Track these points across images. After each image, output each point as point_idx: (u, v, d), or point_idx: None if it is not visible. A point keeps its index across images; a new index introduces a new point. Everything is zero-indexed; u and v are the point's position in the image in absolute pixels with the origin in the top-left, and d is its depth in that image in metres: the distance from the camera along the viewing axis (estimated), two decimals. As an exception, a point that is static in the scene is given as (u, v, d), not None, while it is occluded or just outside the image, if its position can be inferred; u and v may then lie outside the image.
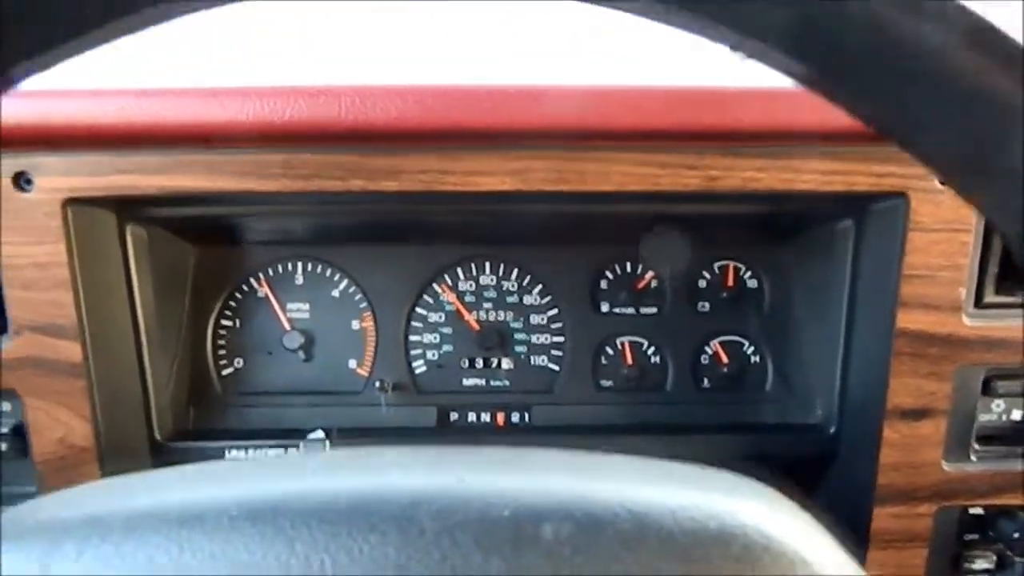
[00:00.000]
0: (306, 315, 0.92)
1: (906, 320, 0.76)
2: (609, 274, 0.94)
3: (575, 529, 0.27)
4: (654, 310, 0.95)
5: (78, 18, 0.25)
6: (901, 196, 0.74)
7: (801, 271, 0.91)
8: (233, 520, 0.27)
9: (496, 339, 0.93)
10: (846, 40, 0.25)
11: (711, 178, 0.73)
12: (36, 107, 0.68)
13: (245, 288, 0.92)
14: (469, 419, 0.93)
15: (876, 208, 0.78)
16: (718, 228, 0.92)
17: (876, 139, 0.27)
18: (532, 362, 0.95)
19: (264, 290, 0.92)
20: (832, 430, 0.86)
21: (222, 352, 0.92)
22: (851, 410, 0.84)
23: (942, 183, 0.71)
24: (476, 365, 0.94)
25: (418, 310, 0.94)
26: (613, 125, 0.70)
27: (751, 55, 0.27)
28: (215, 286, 0.92)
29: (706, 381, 0.95)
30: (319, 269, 0.92)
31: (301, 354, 0.92)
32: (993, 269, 0.77)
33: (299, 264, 0.92)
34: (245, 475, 0.32)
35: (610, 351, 0.95)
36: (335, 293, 0.93)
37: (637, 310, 0.94)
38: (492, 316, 0.94)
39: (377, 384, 0.92)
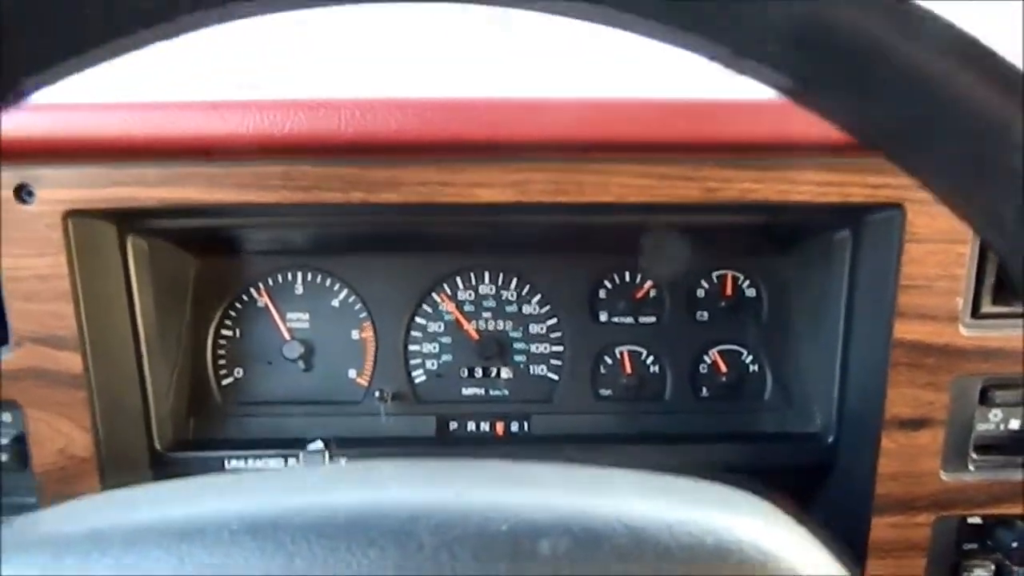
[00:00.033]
0: (306, 325, 0.93)
1: (903, 330, 0.77)
2: (608, 283, 0.94)
3: (573, 544, 0.27)
4: (653, 319, 0.95)
5: (82, 32, 0.25)
6: (897, 207, 0.74)
7: (799, 281, 0.91)
8: (233, 534, 0.28)
9: (495, 348, 0.93)
10: (836, 57, 0.26)
11: (709, 189, 0.74)
12: (37, 120, 0.69)
13: (245, 298, 0.93)
14: (468, 428, 0.93)
15: (872, 219, 0.78)
16: (716, 238, 0.92)
17: (871, 151, 0.27)
18: (531, 371, 0.95)
19: (264, 300, 0.92)
20: (830, 439, 0.86)
21: (222, 362, 0.93)
22: (849, 419, 0.85)
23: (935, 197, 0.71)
24: (475, 374, 0.94)
25: (417, 320, 0.94)
26: (612, 137, 0.71)
27: (741, 71, 0.27)
28: (215, 296, 0.92)
29: (705, 390, 0.95)
30: (319, 279, 0.93)
31: (301, 364, 0.92)
32: (990, 279, 0.77)
33: (299, 274, 0.92)
34: (245, 489, 0.32)
35: (609, 360, 0.95)
36: (335, 303, 0.93)
37: (636, 319, 0.95)
38: (491, 326, 0.94)
39: (377, 394, 0.92)
